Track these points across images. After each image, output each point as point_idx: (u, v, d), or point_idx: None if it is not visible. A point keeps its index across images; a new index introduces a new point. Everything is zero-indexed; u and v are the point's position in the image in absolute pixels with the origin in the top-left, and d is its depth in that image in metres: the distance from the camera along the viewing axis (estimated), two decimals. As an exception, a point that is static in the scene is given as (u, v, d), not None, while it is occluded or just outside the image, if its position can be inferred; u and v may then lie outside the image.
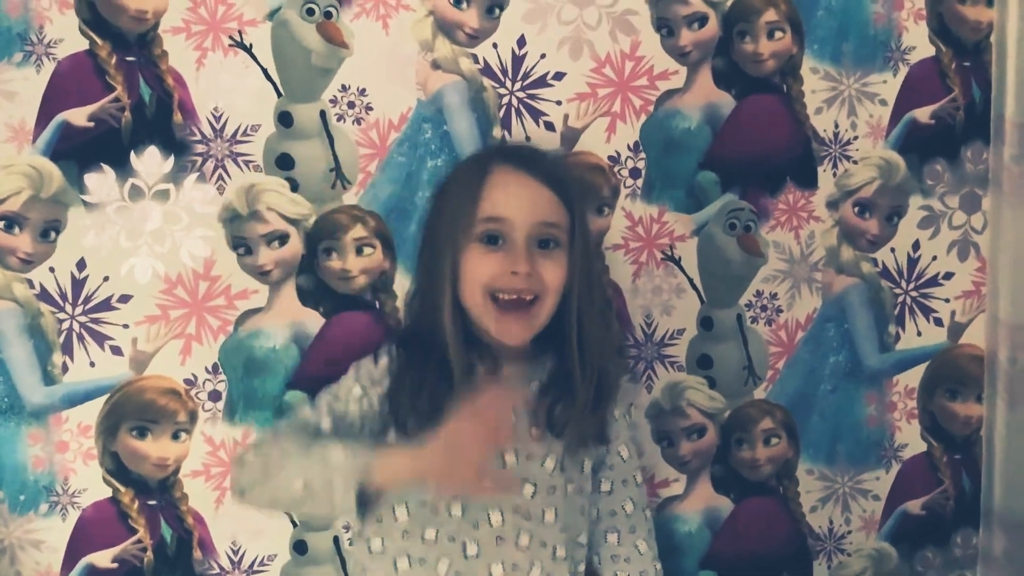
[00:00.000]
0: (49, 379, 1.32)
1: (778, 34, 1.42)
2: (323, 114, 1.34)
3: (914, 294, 1.49)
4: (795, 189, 1.45)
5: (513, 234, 1.18)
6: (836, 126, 1.44)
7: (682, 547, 1.47)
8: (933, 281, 1.49)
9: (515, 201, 1.18)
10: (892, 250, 1.48)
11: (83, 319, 1.32)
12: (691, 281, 1.43)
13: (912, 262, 1.48)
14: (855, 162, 1.45)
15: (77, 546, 1.35)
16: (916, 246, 1.48)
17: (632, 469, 1.28)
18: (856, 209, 1.47)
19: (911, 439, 1.51)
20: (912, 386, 1.50)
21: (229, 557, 1.38)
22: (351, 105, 1.34)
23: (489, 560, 1.19)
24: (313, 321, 1.36)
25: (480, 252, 1.18)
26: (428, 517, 1.19)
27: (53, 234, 1.30)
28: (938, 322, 1.50)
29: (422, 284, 1.25)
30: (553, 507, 1.21)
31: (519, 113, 1.37)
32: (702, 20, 1.40)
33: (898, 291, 1.49)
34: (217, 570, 1.38)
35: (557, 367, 1.23)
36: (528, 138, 1.37)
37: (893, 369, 1.50)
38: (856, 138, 1.45)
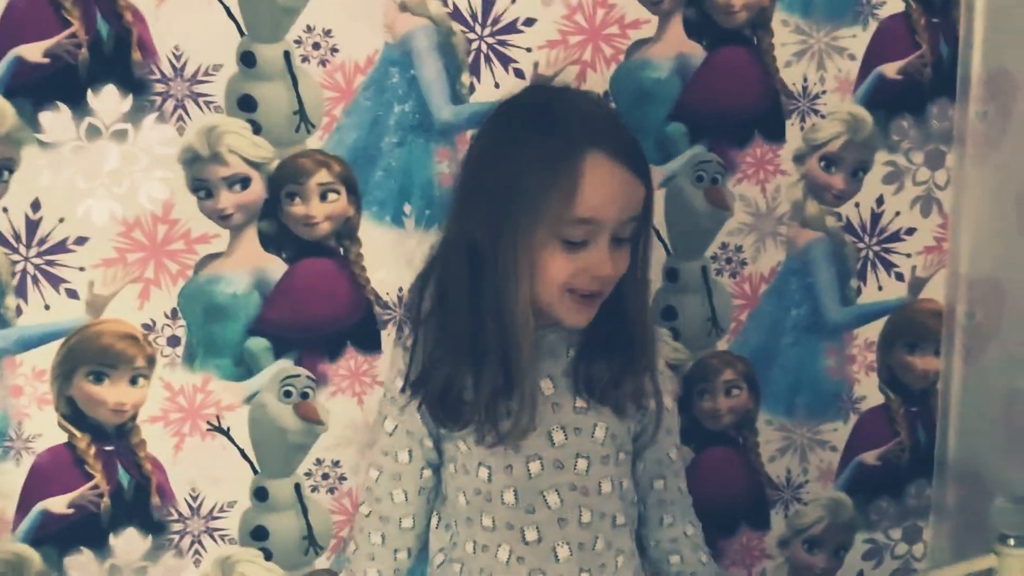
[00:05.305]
0: (2, 322, 1.29)
1: (751, -15, 1.41)
2: (287, 55, 1.30)
3: (876, 249, 1.50)
4: (763, 142, 1.44)
5: (599, 235, 1.10)
6: (805, 80, 1.44)
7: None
8: (895, 236, 1.50)
9: (610, 201, 1.09)
10: (856, 205, 1.49)
11: (37, 261, 1.29)
12: (657, 232, 1.43)
13: (875, 217, 1.49)
14: (823, 116, 1.45)
15: (31, 492, 1.33)
16: (880, 201, 1.49)
17: (675, 419, 1.27)
18: (822, 163, 1.47)
19: (869, 392, 1.53)
20: (872, 340, 1.51)
21: (188, 503, 1.37)
22: (316, 46, 1.31)
23: (552, 542, 1.16)
24: (275, 267, 1.34)
25: (561, 252, 1.10)
26: (483, 504, 1.17)
27: (6, 173, 1.27)
28: (899, 277, 1.51)
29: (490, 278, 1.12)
30: (608, 477, 1.18)
31: (488, 59, 1.35)
32: (675, -32, 1.39)
33: (861, 246, 1.50)
34: (176, 516, 1.37)
35: (589, 330, 1.17)
36: (496, 86, 1.35)
37: (854, 323, 1.51)
38: (824, 92, 1.44)
